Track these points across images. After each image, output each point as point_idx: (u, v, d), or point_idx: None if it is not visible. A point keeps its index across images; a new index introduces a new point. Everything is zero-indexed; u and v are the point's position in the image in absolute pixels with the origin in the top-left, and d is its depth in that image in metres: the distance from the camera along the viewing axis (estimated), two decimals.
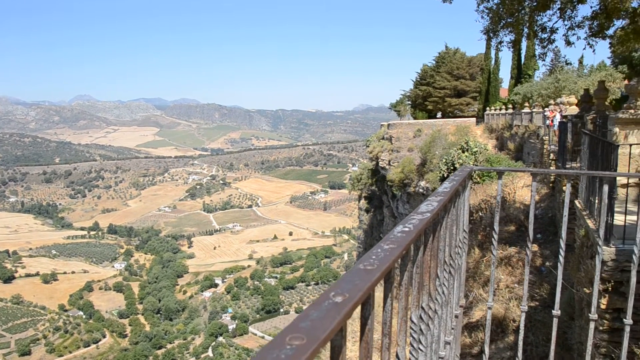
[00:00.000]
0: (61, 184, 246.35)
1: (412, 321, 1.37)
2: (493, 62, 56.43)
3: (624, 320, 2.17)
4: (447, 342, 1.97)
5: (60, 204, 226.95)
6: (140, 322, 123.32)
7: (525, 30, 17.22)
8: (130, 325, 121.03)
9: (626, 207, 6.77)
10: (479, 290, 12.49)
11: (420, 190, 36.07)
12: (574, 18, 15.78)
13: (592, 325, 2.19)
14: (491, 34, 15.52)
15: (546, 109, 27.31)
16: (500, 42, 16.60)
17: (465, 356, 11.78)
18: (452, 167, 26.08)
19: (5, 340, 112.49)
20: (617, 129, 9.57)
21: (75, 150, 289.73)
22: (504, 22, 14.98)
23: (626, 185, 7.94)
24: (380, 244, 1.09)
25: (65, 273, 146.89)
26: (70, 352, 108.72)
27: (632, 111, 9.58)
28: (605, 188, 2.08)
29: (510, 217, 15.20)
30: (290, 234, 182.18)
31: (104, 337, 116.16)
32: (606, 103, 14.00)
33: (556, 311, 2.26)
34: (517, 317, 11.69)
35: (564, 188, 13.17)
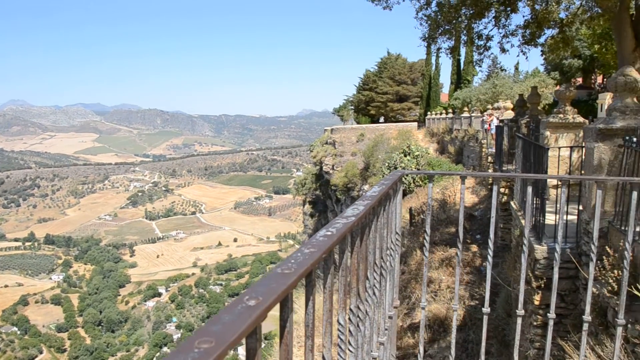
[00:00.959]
0: None
1: (340, 323, 1.40)
2: (434, 67, 57.80)
3: (548, 314, 2.27)
4: (380, 342, 2.01)
5: None
6: (80, 336, 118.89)
7: (463, 37, 17.76)
8: (69, 339, 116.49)
9: (557, 207, 7.07)
10: (421, 292, 12.73)
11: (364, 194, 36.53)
12: (508, 26, 16.41)
13: (518, 320, 2.29)
14: (430, 41, 15.92)
15: (484, 113, 28.19)
16: (439, 49, 17.08)
17: (408, 356, 11.98)
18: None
19: None
20: (548, 133, 9.99)
21: (7, 158, 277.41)
22: (442, 29, 15.39)
23: (556, 187, 8.30)
24: (302, 247, 1.11)
25: None
26: None
27: (561, 115, 10.03)
28: (529, 189, 2.18)
29: (451, 219, 15.58)
30: (235, 240, 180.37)
31: (41, 352, 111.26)
32: (539, 108, 14.56)
33: (486, 309, 2.34)
34: (458, 316, 11.99)
35: (501, 190, 13.62)
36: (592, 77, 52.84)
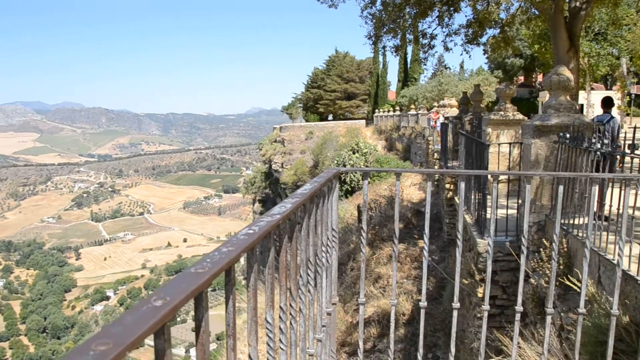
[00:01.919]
0: None
1: (267, 321, 1.42)
2: (381, 65, 58.46)
3: (482, 306, 2.35)
4: (318, 339, 2.04)
5: None
6: (23, 344, 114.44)
7: (409, 36, 18.06)
8: (11, 348, 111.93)
9: (492, 202, 7.29)
10: (370, 287, 12.89)
11: None
12: (451, 26, 16.80)
13: (455, 313, 2.36)
14: (375, 39, 16.11)
15: (430, 111, 28.72)
16: (384, 47, 17.30)
17: (358, 352, 12.11)
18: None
19: None
20: (489, 130, 10.28)
21: None
22: (386, 27, 15.59)
23: (497, 181, 8.56)
24: (221, 247, 1.12)
25: None
26: None
27: (502, 113, 10.34)
28: (462, 185, 2.25)
29: (399, 214, 15.81)
30: (185, 240, 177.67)
31: None
32: (482, 105, 14.95)
33: (423, 302, 2.40)
34: (406, 310, 12.20)
35: (447, 186, 13.93)
36: (533, 75, 54.65)
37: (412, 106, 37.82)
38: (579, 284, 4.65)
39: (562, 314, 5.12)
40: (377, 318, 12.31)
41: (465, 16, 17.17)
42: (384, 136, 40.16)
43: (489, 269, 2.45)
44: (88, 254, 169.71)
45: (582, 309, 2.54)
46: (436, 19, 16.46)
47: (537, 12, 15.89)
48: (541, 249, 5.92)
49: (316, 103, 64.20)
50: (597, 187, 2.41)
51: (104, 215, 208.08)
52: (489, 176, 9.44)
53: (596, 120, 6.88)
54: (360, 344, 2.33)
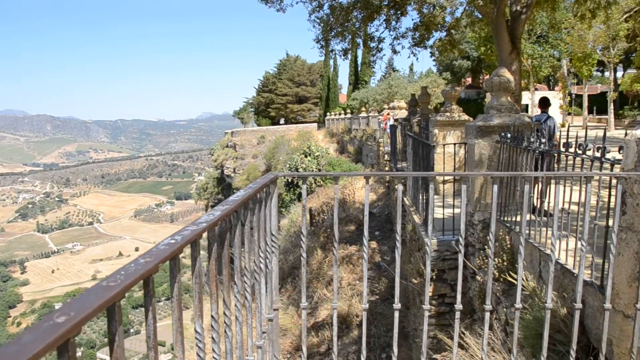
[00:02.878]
0: None
1: (196, 331, 1.40)
2: (332, 69, 58.79)
3: (423, 306, 2.39)
4: (258, 346, 2.03)
5: None
6: None
7: (358, 39, 18.22)
8: None
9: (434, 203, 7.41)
10: (323, 290, 12.92)
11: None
12: (399, 29, 17.03)
13: (396, 314, 2.39)
14: (323, 43, 16.18)
15: (381, 113, 29.06)
16: (332, 50, 17.37)
17: (313, 355, 12.12)
18: (296, 172, 26.67)
19: None
20: (436, 130, 10.48)
21: None
22: (334, 31, 15.68)
23: (443, 182, 8.74)
24: (139, 258, 1.11)
25: None
26: None
27: (448, 114, 10.55)
28: (399, 187, 2.28)
29: (350, 217, 15.92)
30: (137, 249, 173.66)
31: None
32: (429, 107, 15.21)
33: (364, 305, 2.42)
34: (359, 312, 12.28)
35: (396, 187, 14.10)
36: (480, 77, 56.00)
37: (363, 109, 38.17)
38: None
39: (505, 309, 5.25)
40: (331, 320, 12.35)
41: (412, 19, 17.52)
42: (336, 139, 40.38)
43: (428, 269, 2.50)
44: (34, 267, 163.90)
45: (518, 304, 2.60)
46: (384, 23, 16.66)
47: (480, 16, 16.29)
48: (486, 247, 6.06)
49: (268, 107, 64.08)
50: (528, 186, 2.49)
51: (51, 226, 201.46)
52: (444, 177, 9.60)
53: (534, 120, 7.10)
54: (304, 348, 2.33)
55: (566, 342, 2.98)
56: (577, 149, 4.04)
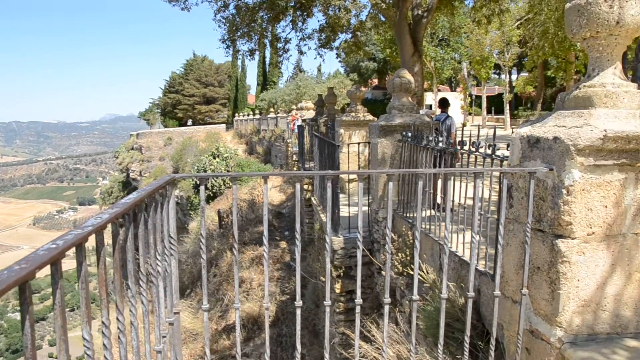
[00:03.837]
0: None
1: (84, 338, 1.35)
2: (240, 69, 58.39)
3: (324, 302, 2.43)
4: (157, 350, 1.98)
5: None
6: None
7: (266, 40, 18.20)
8: None
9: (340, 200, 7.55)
10: (234, 293, 12.80)
11: (176, 199, 35.60)
12: (305, 30, 17.21)
13: (298, 312, 2.41)
14: (229, 43, 16.04)
15: (289, 113, 29.19)
16: (238, 51, 17.26)
17: (226, 358, 12.00)
18: (196, 174, 26.18)
19: None
20: (342, 130, 10.67)
21: None
22: (240, 31, 15.58)
23: (349, 181, 8.93)
24: (13, 264, 1.06)
25: None
26: None
27: (353, 114, 10.78)
28: (298, 186, 2.31)
29: (260, 218, 15.88)
30: None
31: None
32: (336, 107, 15.46)
33: (267, 303, 2.43)
34: (270, 312, 12.28)
35: (305, 187, 14.21)
36: (387, 78, 57.57)
37: (272, 109, 38.19)
38: (421, 273, 4.98)
39: (408, 302, 5.44)
40: (242, 322, 12.27)
41: (318, 21, 17.75)
42: (245, 140, 40.16)
43: (328, 266, 2.54)
44: None
45: (415, 296, 2.71)
46: (290, 24, 16.76)
47: (384, 19, 16.77)
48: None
49: (175, 108, 62.64)
50: (422, 182, 2.59)
51: None
52: (350, 175, 9.79)
53: (434, 119, 7.41)
54: (207, 351, 2.31)
55: (464, 330, 3.15)
56: (470, 147, 4.26)
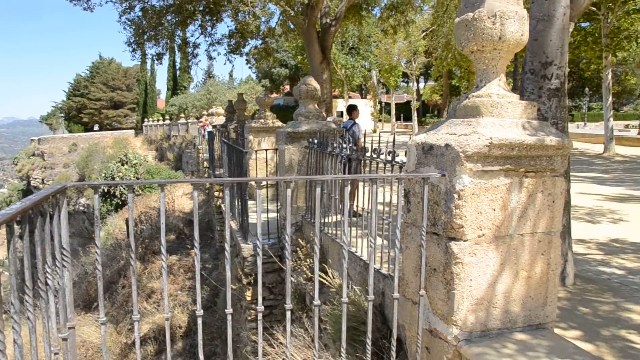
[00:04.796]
0: None
1: None
2: (149, 73, 56.77)
3: (225, 310, 2.41)
4: None
5: None
6: None
7: (175, 44, 17.82)
8: None
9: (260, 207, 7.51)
10: (143, 304, 12.42)
11: (81, 208, 34.02)
12: (214, 35, 17.02)
13: (199, 320, 2.38)
14: (135, 46, 15.58)
15: (200, 119, 28.73)
16: (144, 54, 16.79)
17: None
18: (112, 181, 25.25)
19: None
20: (251, 137, 10.64)
21: None
22: (147, 34, 15.18)
23: (260, 187, 8.90)
24: None
25: None
26: None
27: (262, 120, 10.78)
28: (195, 194, 2.28)
29: (170, 226, 15.48)
30: None
31: None
32: (246, 113, 15.38)
33: (167, 314, 2.38)
34: (182, 323, 12.01)
35: (215, 194, 14.04)
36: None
37: (182, 115, 37.44)
38: (328, 278, 5.05)
39: (317, 307, 5.49)
40: (154, 335, 11.92)
41: (228, 27, 17.62)
42: (155, 146, 39.10)
43: (228, 274, 2.53)
44: None
45: (316, 301, 2.76)
46: (199, 28, 16.52)
47: (293, 26, 16.89)
48: (298, 248, 6.28)
49: (80, 112, 59.96)
50: (319, 189, 2.64)
51: None
52: (260, 182, 9.73)
53: (342, 126, 7.54)
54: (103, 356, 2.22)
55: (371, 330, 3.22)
56: (372, 154, 4.37)
